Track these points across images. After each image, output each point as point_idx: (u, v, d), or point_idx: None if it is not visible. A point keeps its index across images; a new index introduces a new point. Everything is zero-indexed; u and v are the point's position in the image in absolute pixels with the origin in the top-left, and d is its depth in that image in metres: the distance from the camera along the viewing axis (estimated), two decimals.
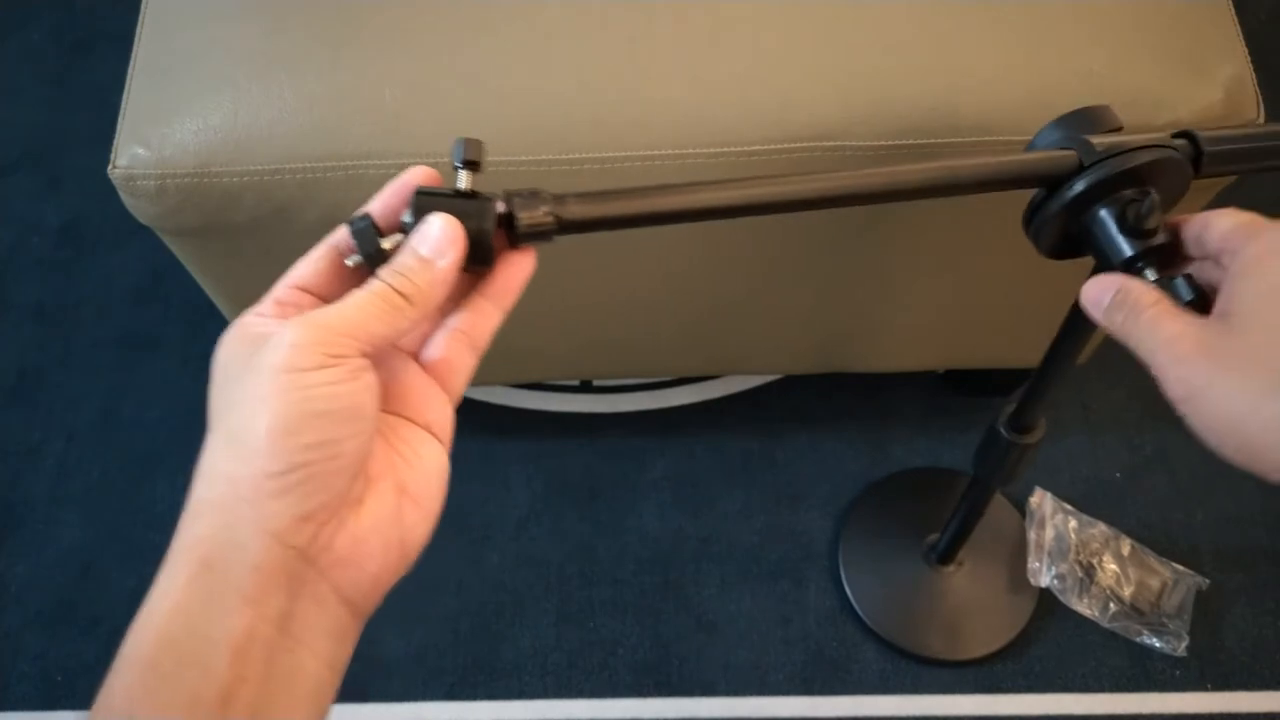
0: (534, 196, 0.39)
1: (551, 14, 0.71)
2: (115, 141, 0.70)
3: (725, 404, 1.20)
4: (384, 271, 0.36)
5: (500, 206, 0.38)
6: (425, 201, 0.37)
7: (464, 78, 0.69)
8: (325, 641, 0.33)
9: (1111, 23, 0.71)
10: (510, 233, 0.39)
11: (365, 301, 0.35)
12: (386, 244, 0.37)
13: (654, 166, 0.70)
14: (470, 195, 0.38)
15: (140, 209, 0.72)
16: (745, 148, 0.69)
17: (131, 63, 0.73)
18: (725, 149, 0.69)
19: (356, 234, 0.37)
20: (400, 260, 0.36)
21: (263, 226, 0.73)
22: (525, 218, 0.38)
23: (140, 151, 0.69)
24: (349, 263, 0.37)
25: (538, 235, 0.39)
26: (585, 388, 1.22)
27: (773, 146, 0.69)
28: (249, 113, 0.69)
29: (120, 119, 0.70)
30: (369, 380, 0.34)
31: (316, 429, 0.32)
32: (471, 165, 0.38)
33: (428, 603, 1.07)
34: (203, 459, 0.34)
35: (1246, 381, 0.36)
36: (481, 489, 1.12)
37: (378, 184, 0.69)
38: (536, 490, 1.14)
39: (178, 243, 0.77)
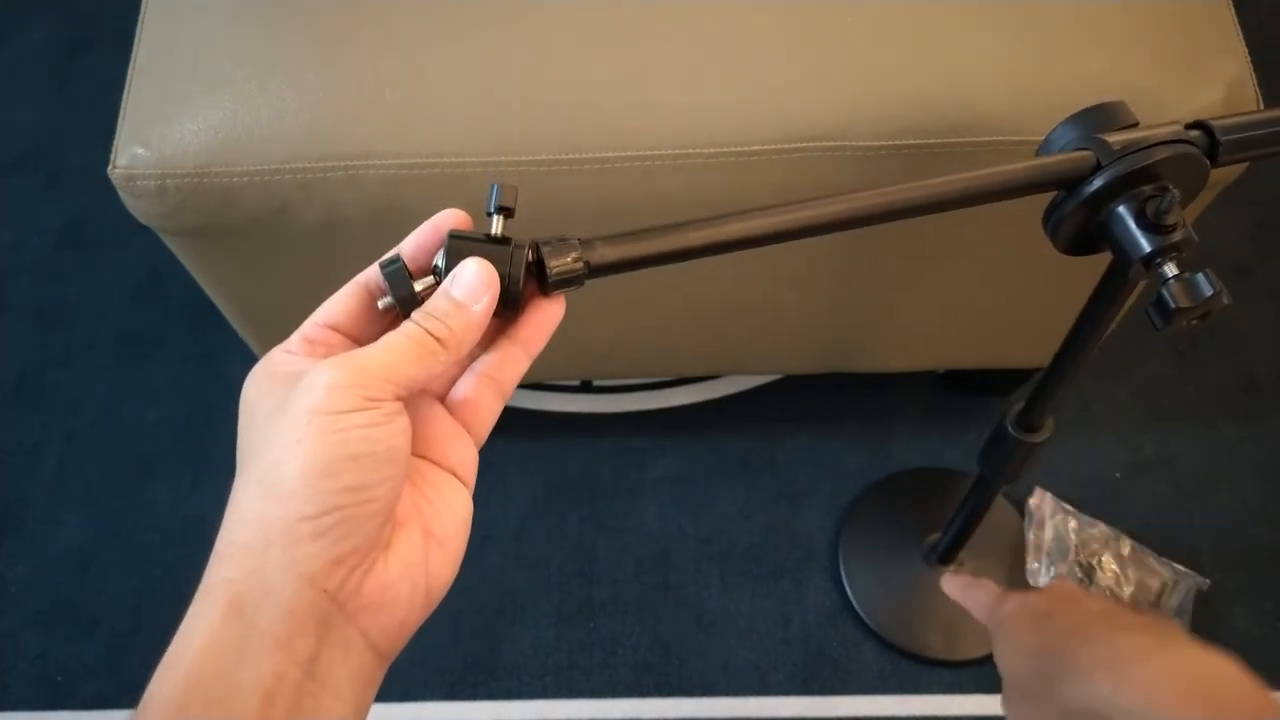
0: (563, 243, 0.38)
1: (551, 14, 0.71)
2: (115, 141, 0.70)
3: (725, 404, 1.20)
4: (418, 315, 0.35)
5: (529, 254, 0.38)
6: (459, 245, 0.37)
7: (464, 78, 0.69)
8: (350, 686, 0.33)
9: (1111, 23, 0.71)
10: (540, 280, 0.39)
11: (400, 345, 0.34)
12: (419, 286, 0.37)
13: (654, 166, 0.70)
14: (503, 241, 0.37)
15: (140, 209, 0.72)
16: (745, 148, 0.69)
17: (131, 63, 0.73)
18: (725, 149, 0.69)
19: (388, 276, 0.37)
20: (434, 304, 0.36)
21: (263, 226, 0.73)
22: (555, 265, 0.38)
23: (140, 151, 0.69)
24: (381, 305, 0.37)
25: (568, 282, 0.39)
26: (585, 388, 1.22)
27: (773, 146, 0.69)
28: (249, 113, 0.69)
29: (120, 119, 0.70)
30: (403, 424, 0.34)
31: (352, 472, 0.32)
32: (505, 211, 0.38)
33: None
34: (232, 500, 0.33)
35: None
36: (481, 489, 1.11)
37: (378, 184, 0.70)
38: (536, 490, 1.14)
39: (178, 243, 0.77)
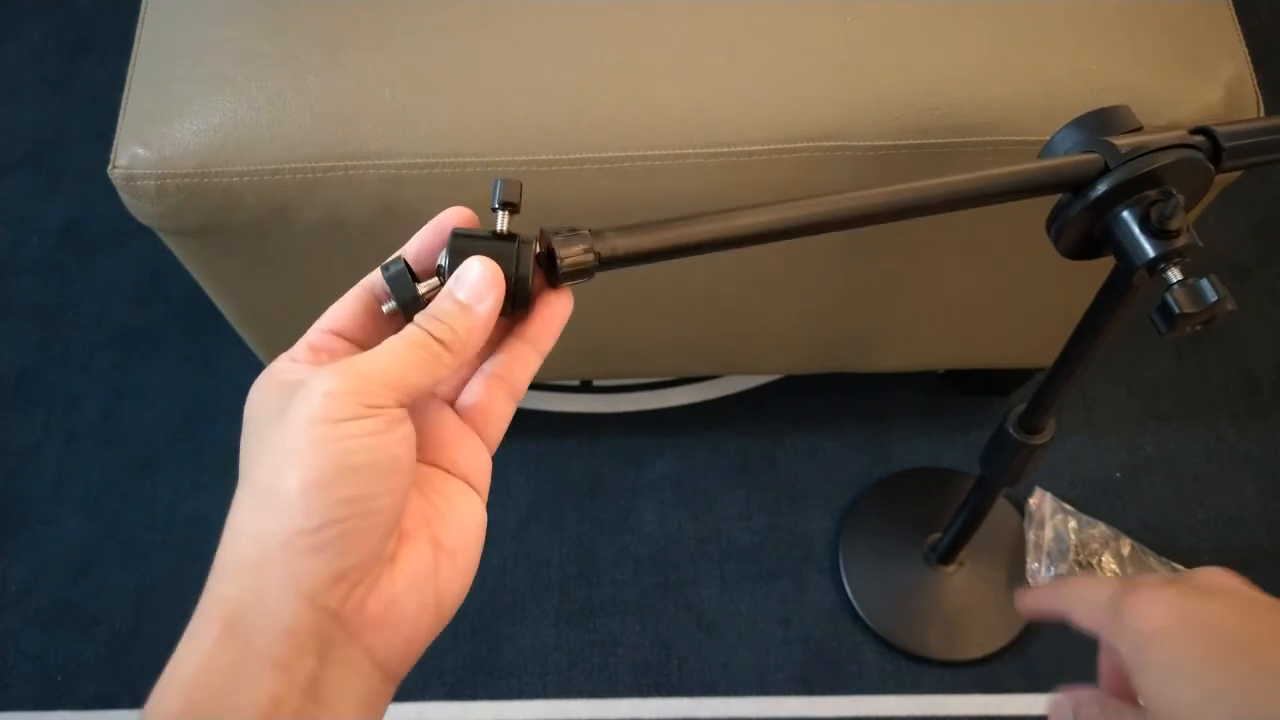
0: (573, 234, 0.37)
1: (552, 14, 0.71)
2: (115, 141, 0.70)
3: (725, 404, 1.20)
4: (421, 318, 0.34)
5: (537, 247, 0.37)
6: (462, 244, 0.35)
7: (464, 77, 0.69)
8: (356, 708, 0.31)
9: (1112, 23, 0.71)
10: (549, 273, 0.37)
11: (403, 349, 0.33)
12: (422, 289, 0.35)
13: (654, 167, 0.70)
14: (508, 237, 0.36)
15: (140, 209, 0.72)
16: (745, 148, 0.69)
17: (131, 63, 0.73)
18: (725, 149, 0.69)
19: (390, 280, 0.35)
20: (438, 306, 0.34)
21: (263, 226, 0.73)
22: (566, 256, 0.36)
23: (140, 151, 0.69)
24: (385, 309, 0.36)
25: (578, 274, 0.37)
26: (585, 388, 1.22)
27: (773, 146, 0.69)
28: (249, 113, 0.69)
29: (120, 119, 0.70)
30: (406, 431, 0.32)
31: (352, 483, 0.30)
32: (509, 207, 0.36)
33: None
34: (230, 516, 0.32)
35: None
36: None
37: (378, 184, 0.70)
38: (536, 490, 1.14)
39: (178, 243, 0.77)
